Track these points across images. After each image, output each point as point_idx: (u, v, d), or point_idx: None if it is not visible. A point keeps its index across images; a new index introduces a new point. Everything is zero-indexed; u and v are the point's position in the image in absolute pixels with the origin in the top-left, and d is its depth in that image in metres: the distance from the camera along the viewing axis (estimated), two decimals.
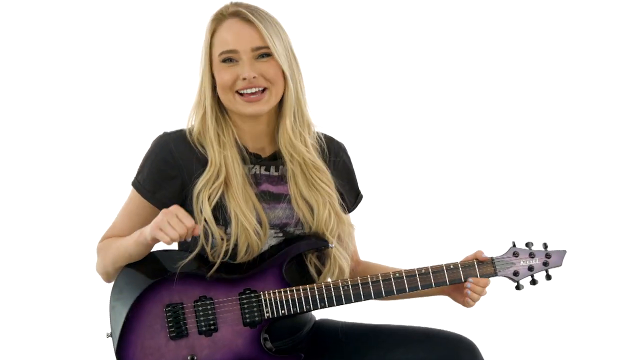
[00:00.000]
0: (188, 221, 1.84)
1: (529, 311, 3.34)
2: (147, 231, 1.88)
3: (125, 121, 3.64)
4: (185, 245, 2.04)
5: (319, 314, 2.16)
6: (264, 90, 1.96)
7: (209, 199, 1.95)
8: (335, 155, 2.13)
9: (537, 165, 3.77)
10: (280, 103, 2.02)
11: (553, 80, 3.80)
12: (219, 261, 1.95)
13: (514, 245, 2.03)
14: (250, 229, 1.95)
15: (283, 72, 1.97)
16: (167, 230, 1.83)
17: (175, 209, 1.86)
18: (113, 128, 3.65)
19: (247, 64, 1.94)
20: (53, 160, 3.65)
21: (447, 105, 3.81)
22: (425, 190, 3.73)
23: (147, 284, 1.94)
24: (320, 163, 2.05)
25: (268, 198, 2.03)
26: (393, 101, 3.79)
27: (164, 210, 1.86)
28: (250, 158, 2.03)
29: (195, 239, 1.98)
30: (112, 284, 2.01)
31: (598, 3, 3.76)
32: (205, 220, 1.95)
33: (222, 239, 1.95)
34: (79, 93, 3.67)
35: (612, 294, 3.56)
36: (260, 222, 1.98)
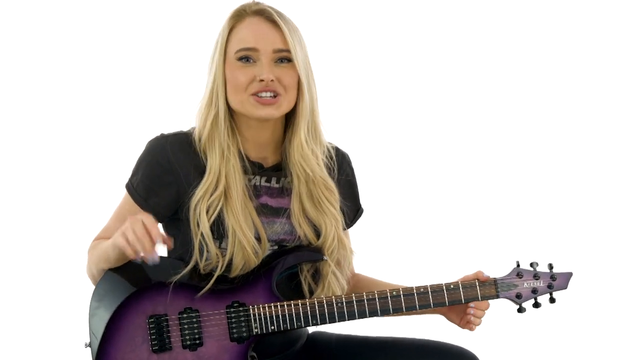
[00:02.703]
0: (149, 223, 1.70)
1: (532, 322, 3.19)
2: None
3: (121, 120, 3.56)
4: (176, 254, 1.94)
5: (312, 327, 2.05)
6: (275, 96, 1.85)
7: (207, 211, 1.85)
8: (340, 170, 2.03)
9: (543, 181, 3.70)
10: (291, 114, 1.91)
11: (559, 94, 3.74)
12: (214, 277, 1.85)
13: (518, 266, 1.94)
14: (249, 247, 1.86)
15: (299, 81, 1.86)
16: (129, 234, 1.70)
17: (143, 215, 1.74)
18: (108, 127, 3.57)
19: (266, 65, 1.83)
20: (47, 160, 3.56)
21: (446, 114, 3.74)
22: (425, 204, 3.66)
23: (129, 292, 1.85)
24: (330, 182, 1.95)
25: (267, 212, 1.94)
26: (391, 110, 3.73)
27: (129, 217, 1.74)
28: (252, 168, 1.93)
29: (189, 249, 1.88)
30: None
31: (598, 3, 3.70)
32: (202, 235, 1.86)
33: (217, 255, 1.86)
34: (75, 92, 3.58)
35: (619, 315, 3.51)
36: (258, 239, 1.89)
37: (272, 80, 1.83)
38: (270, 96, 1.84)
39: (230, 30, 1.87)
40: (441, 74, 3.73)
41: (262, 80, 1.82)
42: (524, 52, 3.74)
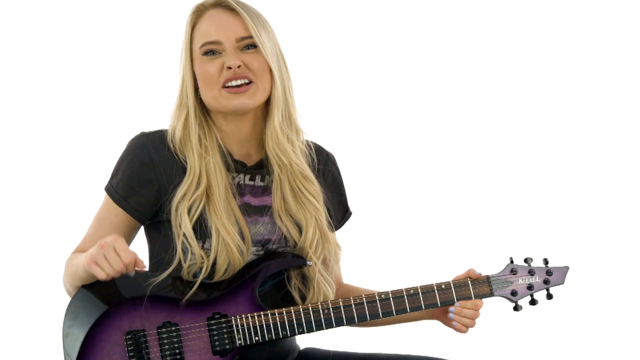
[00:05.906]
0: (126, 255, 1.67)
1: (534, 336, 3.25)
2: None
3: (102, 121, 3.50)
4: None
5: (304, 342, 2.00)
6: (249, 83, 1.81)
7: (189, 212, 1.80)
8: (324, 165, 1.98)
9: (534, 174, 3.66)
10: (267, 104, 1.88)
11: (548, 87, 3.70)
12: (197, 282, 1.79)
13: (512, 262, 1.89)
14: (233, 245, 1.80)
15: (270, 67, 1.83)
16: (103, 264, 1.67)
17: (113, 240, 1.68)
18: (89, 128, 3.51)
19: (231, 53, 1.81)
20: (24, 163, 3.49)
21: (434, 111, 3.71)
22: (413, 201, 3.61)
23: (104, 308, 1.77)
24: (308, 172, 1.90)
25: (250, 211, 1.88)
26: (378, 109, 3.69)
27: (100, 242, 1.69)
28: (235, 166, 1.88)
29: (171, 252, 1.82)
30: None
31: (598, 3, 3.68)
32: (185, 236, 1.80)
33: (202, 256, 1.80)
34: (54, 93, 3.52)
35: (623, 308, 3.45)
36: (242, 238, 1.83)
37: (239, 67, 1.80)
38: (243, 83, 1.81)
39: (193, 27, 1.87)
40: (428, 70, 3.70)
41: (229, 68, 1.80)
42: (513, 48, 3.72)
